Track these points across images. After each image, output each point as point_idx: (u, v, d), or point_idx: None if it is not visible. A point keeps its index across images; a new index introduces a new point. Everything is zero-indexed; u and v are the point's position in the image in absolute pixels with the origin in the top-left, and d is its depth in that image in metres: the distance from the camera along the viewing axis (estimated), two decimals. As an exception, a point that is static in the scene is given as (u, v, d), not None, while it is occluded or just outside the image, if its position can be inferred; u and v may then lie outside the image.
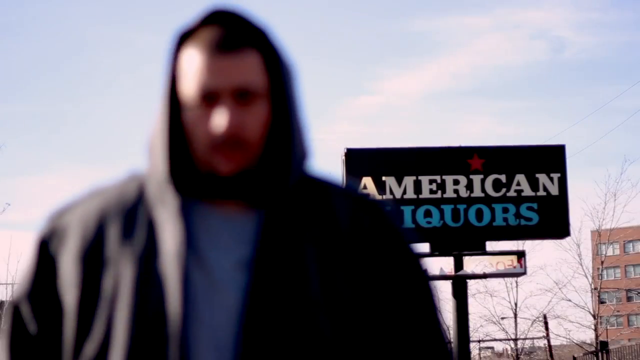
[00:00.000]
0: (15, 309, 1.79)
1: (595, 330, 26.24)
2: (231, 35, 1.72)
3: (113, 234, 1.75)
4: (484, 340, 29.01)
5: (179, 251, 1.69)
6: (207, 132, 1.70)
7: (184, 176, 1.75)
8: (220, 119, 1.69)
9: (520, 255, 14.97)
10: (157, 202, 1.75)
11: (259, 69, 1.72)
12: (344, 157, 14.73)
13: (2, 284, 21.59)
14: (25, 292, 1.79)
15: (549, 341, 26.95)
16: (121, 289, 1.70)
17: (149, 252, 1.71)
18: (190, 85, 1.71)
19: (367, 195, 1.84)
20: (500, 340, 28.76)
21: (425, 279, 1.81)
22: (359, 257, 1.75)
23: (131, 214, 1.76)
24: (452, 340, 15.94)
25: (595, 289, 26.55)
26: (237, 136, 1.69)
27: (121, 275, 1.71)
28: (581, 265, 26.65)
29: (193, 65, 1.72)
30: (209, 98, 1.70)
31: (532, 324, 27.72)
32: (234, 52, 1.71)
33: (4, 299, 21.25)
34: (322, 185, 1.81)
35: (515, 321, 27.92)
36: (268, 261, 1.69)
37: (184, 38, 1.75)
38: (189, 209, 1.74)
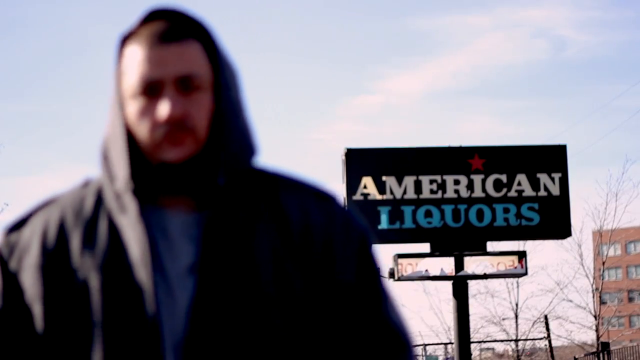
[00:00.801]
0: None
1: (597, 331, 26.20)
2: (172, 27, 1.73)
3: (75, 243, 1.73)
4: (484, 341, 28.98)
5: (146, 258, 1.69)
6: (151, 121, 1.70)
7: (137, 177, 1.74)
8: (164, 106, 1.69)
9: (521, 255, 14.94)
10: (116, 208, 1.74)
11: (201, 59, 1.73)
12: (344, 157, 14.69)
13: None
14: None
15: (550, 342, 26.92)
16: (91, 298, 1.69)
17: (113, 260, 1.70)
18: (132, 78, 1.71)
19: (321, 188, 1.82)
20: (501, 341, 28.72)
21: (374, 272, 1.80)
22: (310, 250, 1.75)
23: (91, 221, 1.74)
24: (453, 341, 15.87)
25: (597, 289, 26.51)
26: (182, 121, 1.69)
27: (88, 284, 1.70)
28: (582, 265, 26.62)
29: (135, 58, 1.72)
30: (152, 89, 1.70)
31: (533, 324, 27.68)
32: (175, 42, 1.72)
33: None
34: (271, 180, 1.80)
35: (516, 322, 27.88)
36: (212, 264, 1.69)
37: (127, 39, 1.76)
38: (146, 213, 1.73)
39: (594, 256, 27.27)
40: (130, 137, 1.73)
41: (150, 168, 1.73)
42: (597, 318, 26.26)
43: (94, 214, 1.75)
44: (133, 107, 1.72)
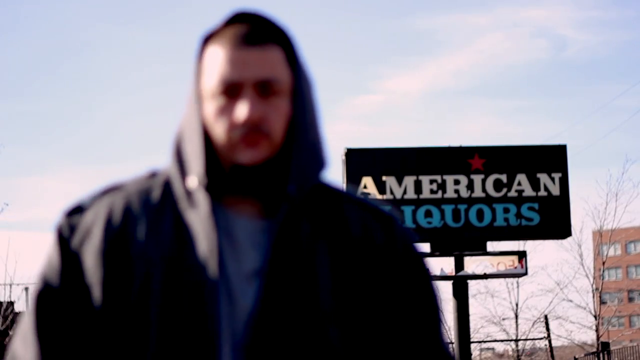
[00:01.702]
0: (40, 304, 1.75)
1: (597, 331, 26.19)
2: (255, 31, 1.74)
3: (139, 232, 1.73)
4: (484, 341, 28.96)
5: (213, 257, 1.69)
6: (229, 122, 1.70)
7: (211, 176, 1.74)
8: (242, 108, 1.69)
9: (521, 255, 14.93)
10: (185, 203, 1.74)
11: (282, 65, 1.74)
12: (344, 157, 14.68)
13: (0, 284, 21.51)
14: (49, 288, 1.75)
15: (550, 342, 26.90)
16: (151, 288, 1.69)
17: (177, 254, 1.70)
18: (213, 78, 1.72)
19: (381, 207, 1.84)
20: (501, 341, 28.71)
21: (432, 295, 1.82)
22: (370, 268, 1.75)
23: (157, 213, 1.75)
24: (452, 341, 15.87)
25: (597, 289, 26.49)
26: (259, 125, 1.70)
27: (150, 275, 1.69)
28: (582, 265, 26.60)
29: (216, 59, 1.73)
30: (232, 91, 1.71)
31: (533, 324, 27.67)
32: (258, 46, 1.72)
33: (2, 300, 21.16)
34: (336, 195, 1.81)
35: (517, 322, 27.86)
36: (277, 272, 1.69)
37: (209, 39, 1.77)
38: (214, 211, 1.73)
39: (594, 256, 27.25)
40: (205, 136, 1.74)
41: (222, 168, 1.74)
42: (597, 318, 26.25)
43: (160, 206, 1.75)
44: (211, 106, 1.73)
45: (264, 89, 1.71)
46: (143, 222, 1.74)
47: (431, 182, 14.76)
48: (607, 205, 25.74)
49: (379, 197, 14.59)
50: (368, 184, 14.66)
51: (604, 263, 26.18)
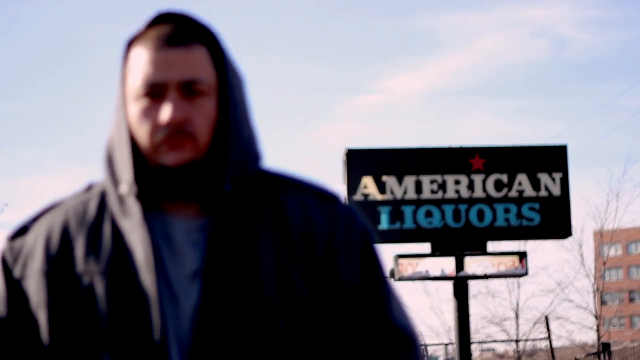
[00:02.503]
0: None
1: (598, 331, 26.16)
2: (179, 31, 1.73)
3: (79, 248, 1.72)
4: (485, 342, 28.94)
5: (149, 262, 1.68)
6: (152, 124, 1.69)
7: (141, 181, 1.74)
8: (166, 110, 1.68)
9: (522, 255, 14.91)
10: (119, 211, 1.73)
11: (206, 64, 1.72)
12: (344, 157, 14.67)
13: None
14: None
15: (550, 342, 26.87)
16: (96, 303, 1.69)
17: (118, 264, 1.70)
18: (136, 80, 1.71)
19: (323, 188, 1.82)
20: (502, 341, 28.68)
21: (377, 270, 1.80)
22: (312, 253, 1.74)
23: (95, 226, 1.74)
24: (453, 341, 15.87)
25: (598, 290, 26.47)
26: (182, 126, 1.69)
27: (93, 290, 1.70)
28: (583, 266, 26.57)
29: (139, 61, 1.72)
30: (155, 92, 1.70)
31: (534, 325, 27.64)
32: (181, 46, 1.71)
33: None
34: (273, 181, 1.80)
35: (517, 322, 27.84)
36: (217, 270, 1.68)
37: (133, 41, 1.76)
38: (149, 217, 1.72)
39: (595, 256, 27.23)
40: (134, 141, 1.73)
41: (151, 172, 1.72)
42: (598, 318, 26.23)
43: (97, 218, 1.75)
44: (135, 108, 1.71)
45: (188, 90, 1.70)
46: (82, 237, 1.73)
47: (431, 182, 14.74)
48: (608, 205, 25.73)
49: (380, 197, 14.58)
50: (368, 184, 14.65)
51: (604, 263, 26.16)
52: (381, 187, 14.69)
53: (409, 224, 14.65)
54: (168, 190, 1.73)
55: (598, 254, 26.93)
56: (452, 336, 16.51)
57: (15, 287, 1.74)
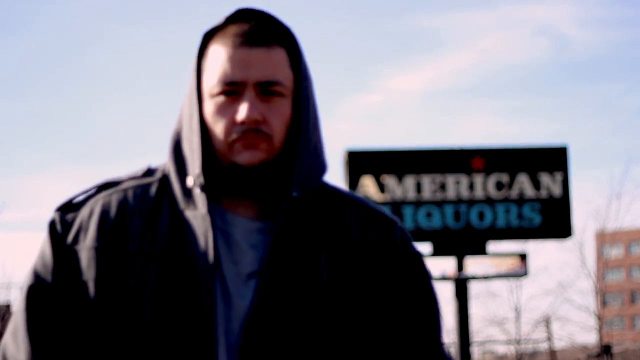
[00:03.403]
0: (32, 300, 1.73)
1: (599, 332, 26.11)
2: (260, 30, 1.72)
3: (135, 228, 1.71)
4: (485, 342, 28.89)
5: (210, 256, 1.67)
6: (228, 122, 1.69)
7: (209, 175, 1.73)
8: (243, 108, 1.68)
9: (523, 256, 14.87)
10: (183, 201, 1.73)
11: (285, 66, 1.72)
12: (345, 157, 14.63)
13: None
14: (41, 284, 1.73)
15: (551, 344, 26.82)
16: (147, 287, 1.67)
17: (173, 252, 1.69)
18: (214, 77, 1.70)
19: (381, 209, 1.82)
20: (503, 342, 28.64)
21: (432, 298, 1.80)
22: (368, 270, 1.74)
23: (154, 210, 1.73)
24: (453, 342, 15.82)
25: (599, 290, 26.42)
26: (258, 125, 1.68)
27: (145, 273, 1.68)
28: (584, 266, 26.53)
29: (219, 58, 1.71)
30: (233, 90, 1.69)
31: (535, 326, 27.60)
32: (262, 46, 1.70)
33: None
34: (335, 196, 1.80)
35: (518, 323, 27.79)
36: (274, 273, 1.68)
37: (211, 36, 1.75)
38: (211, 210, 1.71)
39: (596, 257, 27.18)
40: (204, 135, 1.72)
41: (221, 168, 1.71)
42: (599, 319, 26.17)
43: (157, 203, 1.73)
44: (212, 105, 1.71)
45: (265, 90, 1.69)
46: (139, 219, 1.72)
47: (432, 182, 14.70)
48: (609, 205, 25.69)
49: (380, 197, 14.54)
50: (368, 184, 14.61)
51: (606, 264, 26.11)
52: (381, 188, 14.64)
53: (409, 224, 14.61)
54: (235, 188, 1.72)
55: (599, 254, 26.87)
56: (453, 337, 16.46)
57: (65, 257, 1.72)
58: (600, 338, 25.87)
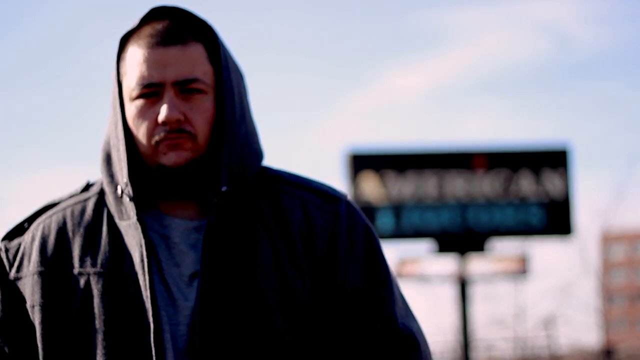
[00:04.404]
0: None
1: (602, 333, 26.00)
2: (174, 28, 1.71)
3: (76, 249, 1.71)
4: (486, 343, 28.80)
5: (145, 264, 1.67)
6: (151, 123, 1.68)
7: (139, 181, 1.72)
8: (163, 109, 1.67)
9: (525, 256, 14.82)
10: (117, 212, 1.72)
11: (203, 62, 1.70)
12: (345, 157, 14.58)
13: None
14: None
15: (553, 344, 26.70)
16: (92, 304, 1.67)
17: (115, 266, 1.69)
18: (132, 80, 1.70)
19: (325, 188, 1.79)
20: (504, 342, 28.54)
21: (381, 271, 1.76)
22: (313, 254, 1.72)
23: (93, 227, 1.73)
24: (454, 342, 15.71)
25: (602, 291, 26.30)
26: (181, 125, 1.67)
27: (90, 291, 1.68)
28: (587, 266, 26.39)
29: (135, 60, 1.70)
30: (152, 92, 1.68)
31: (537, 326, 27.49)
32: (177, 44, 1.69)
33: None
34: (274, 180, 1.77)
35: (519, 324, 27.68)
36: (215, 271, 1.67)
37: (127, 38, 1.74)
38: (147, 218, 1.71)
39: (599, 257, 27.07)
40: (132, 141, 1.71)
41: (149, 172, 1.71)
42: (603, 320, 26.06)
43: (95, 219, 1.74)
44: (133, 109, 1.70)
45: (185, 89, 1.68)
46: (79, 238, 1.72)
47: (433, 182, 14.65)
48: (612, 205, 25.54)
49: (380, 197, 14.46)
50: (369, 184, 14.56)
51: (609, 264, 25.97)
52: (382, 187, 14.60)
53: (410, 224, 14.55)
54: (166, 190, 1.71)
55: (602, 254, 26.76)
56: (454, 337, 16.35)
57: (10, 288, 1.73)
58: (604, 339, 25.77)
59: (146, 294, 1.66)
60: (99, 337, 1.66)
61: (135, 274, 1.67)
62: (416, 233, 14.70)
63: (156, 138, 1.68)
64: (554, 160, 14.94)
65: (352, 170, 14.58)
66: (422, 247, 15.02)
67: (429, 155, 14.83)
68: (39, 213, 1.79)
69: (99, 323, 1.66)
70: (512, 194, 14.74)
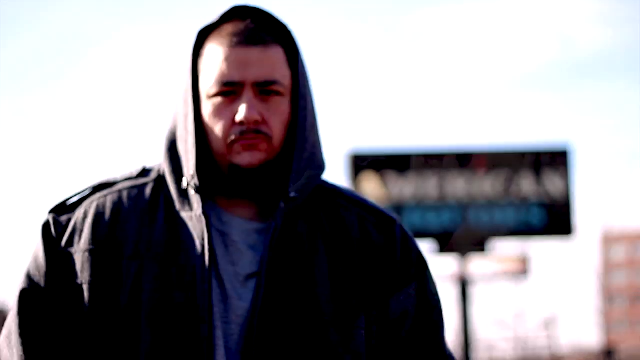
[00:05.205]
0: (25, 303, 1.71)
1: (603, 333, 26.03)
2: (256, 28, 1.71)
3: (130, 231, 1.70)
4: (487, 343, 28.83)
5: (205, 257, 1.65)
6: (227, 122, 1.68)
7: (205, 175, 1.71)
8: (242, 109, 1.66)
9: (525, 256, 14.83)
10: (178, 202, 1.71)
11: (283, 65, 1.71)
12: (347, 158, 14.61)
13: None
14: (35, 288, 1.71)
15: (554, 344, 26.73)
16: (143, 288, 1.65)
17: (169, 253, 1.67)
18: (212, 77, 1.69)
19: (381, 208, 1.79)
20: (504, 343, 28.57)
21: (434, 299, 1.77)
22: (369, 269, 1.72)
23: (149, 211, 1.71)
24: (455, 342, 15.73)
25: (603, 291, 26.33)
26: (258, 126, 1.67)
27: (141, 274, 1.66)
28: (588, 267, 26.41)
29: (216, 57, 1.70)
30: (231, 91, 1.68)
31: (537, 326, 27.52)
32: (259, 45, 1.69)
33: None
34: (335, 195, 1.78)
35: (520, 324, 27.71)
36: (274, 274, 1.66)
37: (206, 34, 1.73)
38: (208, 211, 1.69)
39: (600, 258, 27.09)
40: (202, 136, 1.71)
41: (218, 169, 1.70)
42: (604, 320, 26.08)
43: (152, 204, 1.72)
44: (210, 106, 1.70)
45: (264, 90, 1.68)
46: (134, 221, 1.71)
47: (434, 182, 14.67)
48: (613, 205, 25.52)
49: (381, 197, 14.48)
50: (369, 184, 14.57)
51: (610, 265, 25.99)
52: (383, 187, 14.62)
53: (411, 224, 14.56)
54: (233, 188, 1.70)
55: (603, 255, 26.77)
56: (454, 338, 16.37)
57: (59, 260, 1.71)
58: (604, 338, 25.78)
59: (202, 287, 1.64)
60: (147, 324, 1.64)
61: (192, 265, 1.65)
62: (417, 233, 14.72)
63: (232, 137, 1.67)
64: (555, 160, 14.95)
65: (353, 170, 14.59)
66: (422, 247, 15.08)
67: (430, 155, 14.85)
68: (91, 191, 1.76)
69: (148, 309, 1.64)
70: (513, 194, 14.75)
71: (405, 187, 14.62)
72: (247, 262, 1.68)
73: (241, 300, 1.66)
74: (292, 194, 1.69)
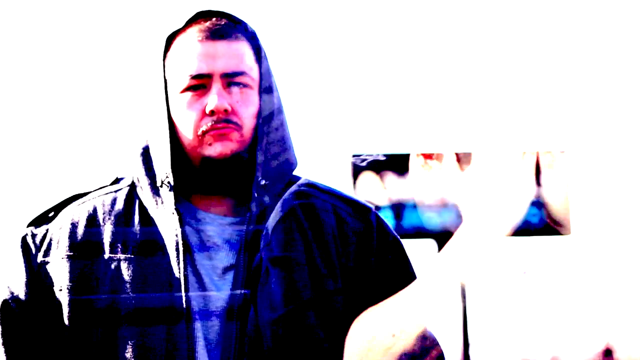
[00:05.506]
0: (5, 314, 1.72)
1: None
2: (222, 25, 1.74)
3: (107, 235, 1.71)
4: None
5: (180, 252, 1.67)
6: (198, 114, 1.69)
7: (179, 174, 1.73)
8: (211, 99, 1.68)
9: (525, 257, 14.84)
10: (152, 202, 1.73)
11: (251, 59, 1.74)
12: (347, 158, 14.62)
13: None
14: (14, 299, 1.72)
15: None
16: (123, 286, 1.67)
17: (146, 252, 1.69)
18: (180, 71, 1.71)
19: (357, 199, 1.82)
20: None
21: (411, 281, 1.77)
22: (347, 255, 1.74)
23: (124, 216, 1.74)
24: (455, 342, 15.78)
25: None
26: (228, 116, 1.69)
27: (120, 273, 1.68)
28: (586, 266, 26.49)
29: (184, 53, 1.72)
30: (200, 85, 1.70)
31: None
32: (226, 39, 1.72)
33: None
34: (306, 186, 1.80)
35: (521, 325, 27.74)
36: (250, 268, 1.68)
37: (172, 39, 1.76)
38: (182, 209, 1.72)
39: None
40: (174, 135, 1.72)
41: (190, 165, 1.71)
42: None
43: (126, 208, 1.74)
44: (179, 102, 1.71)
45: (232, 82, 1.70)
46: (109, 225, 1.72)
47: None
48: (611, 205, 25.60)
49: (382, 197, 14.52)
50: (370, 184, 14.60)
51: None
52: (382, 187, 14.65)
53: (411, 224, 14.60)
54: (205, 183, 1.72)
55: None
56: (454, 339, 16.38)
57: (37, 272, 1.72)
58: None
59: (179, 282, 1.66)
60: (127, 322, 1.66)
61: (167, 262, 1.67)
62: (417, 233, 14.76)
63: (203, 128, 1.68)
64: (553, 159, 15.00)
65: (353, 170, 14.63)
66: (423, 247, 15.10)
67: (429, 155, 14.89)
68: (66, 203, 1.80)
69: (127, 308, 1.66)
70: (512, 194, 14.80)
71: (404, 186, 14.64)
72: (223, 255, 1.70)
73: (220, 292, 1.68)
74: (262, 182, 1.71)
